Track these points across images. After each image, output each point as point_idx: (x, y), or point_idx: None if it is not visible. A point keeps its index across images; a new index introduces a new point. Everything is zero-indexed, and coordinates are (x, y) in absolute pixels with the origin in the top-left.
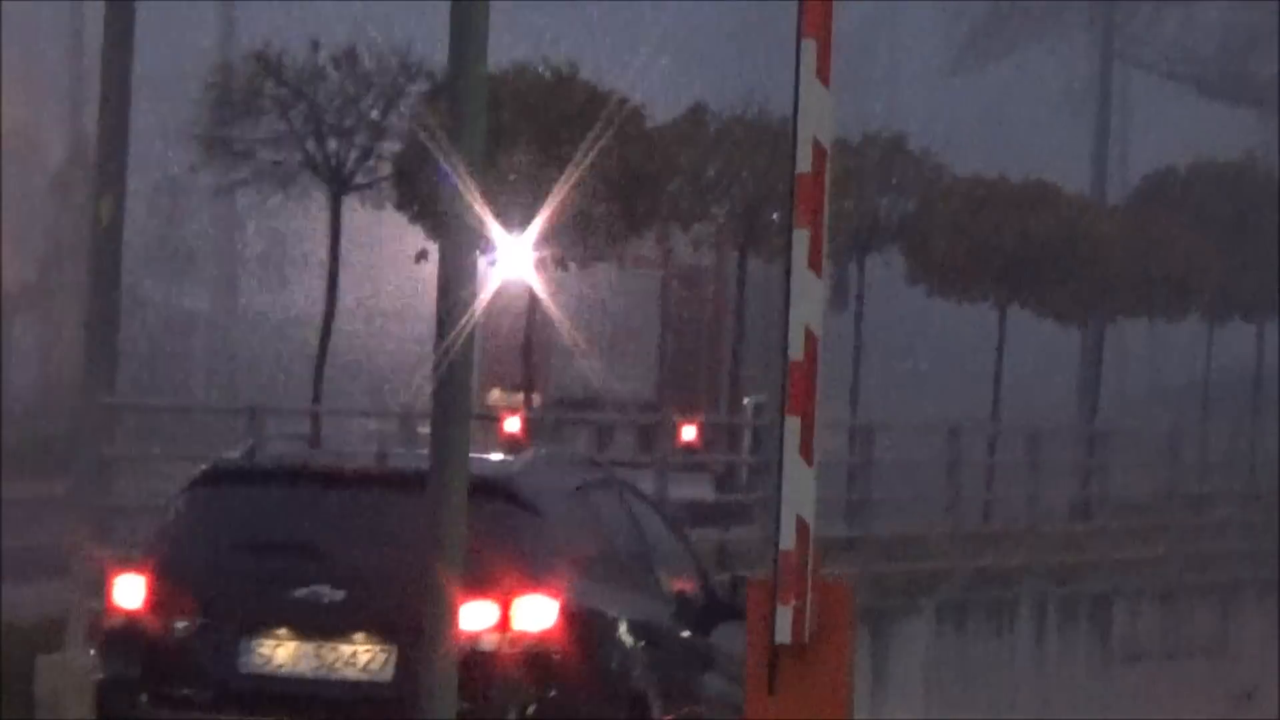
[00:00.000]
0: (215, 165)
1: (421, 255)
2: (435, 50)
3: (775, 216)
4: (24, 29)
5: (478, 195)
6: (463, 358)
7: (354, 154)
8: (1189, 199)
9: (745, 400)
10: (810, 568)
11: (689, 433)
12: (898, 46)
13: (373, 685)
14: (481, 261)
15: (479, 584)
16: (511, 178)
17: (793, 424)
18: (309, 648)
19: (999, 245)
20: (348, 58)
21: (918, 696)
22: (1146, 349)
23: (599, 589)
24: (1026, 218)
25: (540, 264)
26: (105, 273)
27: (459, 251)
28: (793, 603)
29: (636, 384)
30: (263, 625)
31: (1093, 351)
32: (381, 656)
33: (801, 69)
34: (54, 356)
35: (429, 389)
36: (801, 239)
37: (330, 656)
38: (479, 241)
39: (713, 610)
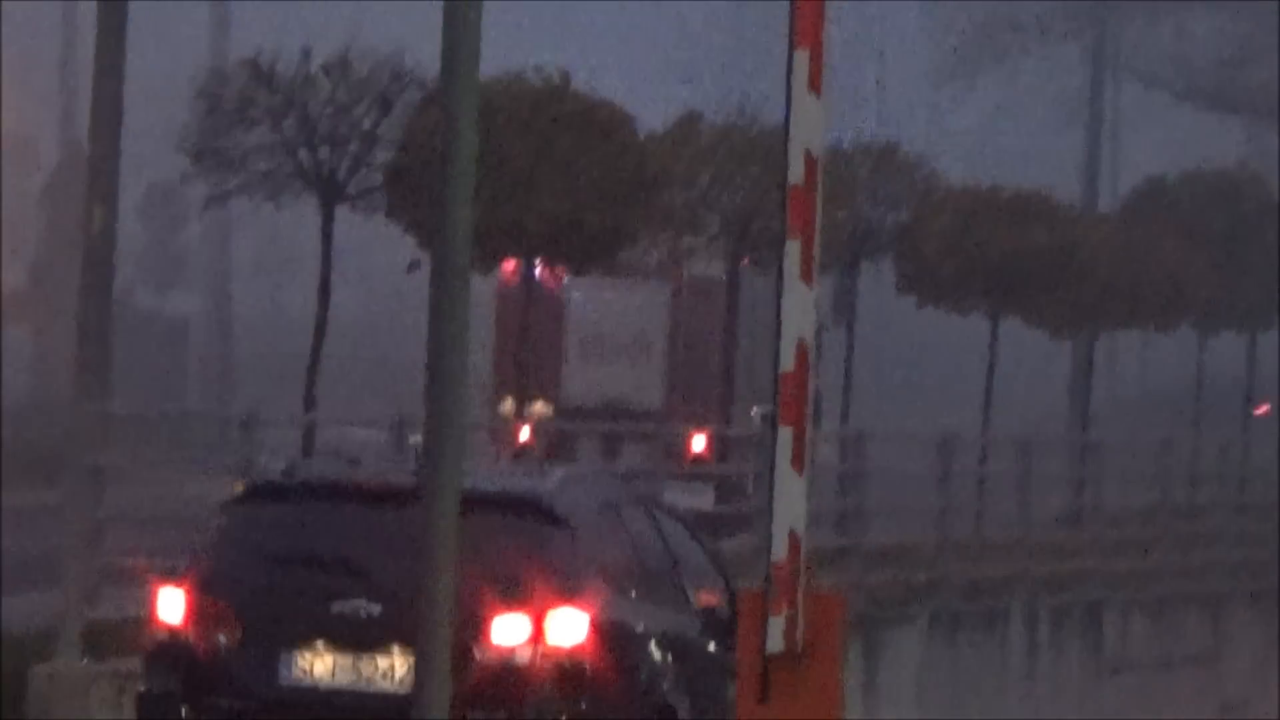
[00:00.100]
0: (207, 175)
1: (414, 265)
2: (427, 58)
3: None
4: (17, 36)
5: (469, 203)
6: (457, 367)
7: (346, 163)
8: (1180, 209)
9: (753, 410)
10: (802, 578)
11: (699, 443)
12: (890, 57)
13: (409, 698)
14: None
15: (513, 598)
16: (503, 185)
17: (785, 435)
18: (347, 661)
19: (990, 255)
20: (339, 65)
21: (909, 706)
22: (1138, 359)
23: (629, 603)
24: (1018, 228)
25: (543, 274)
26: (97, 280)
27: (451, 260)
28: (784, 612)
29: (646, 394)
30: (302, 638)
31: (1084, 362)
32: None
33: (793, 80)
34: (46, 364)
35: (422, 398)
36: (793, 250)
37: (368, 669)
38: (470, 250)
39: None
